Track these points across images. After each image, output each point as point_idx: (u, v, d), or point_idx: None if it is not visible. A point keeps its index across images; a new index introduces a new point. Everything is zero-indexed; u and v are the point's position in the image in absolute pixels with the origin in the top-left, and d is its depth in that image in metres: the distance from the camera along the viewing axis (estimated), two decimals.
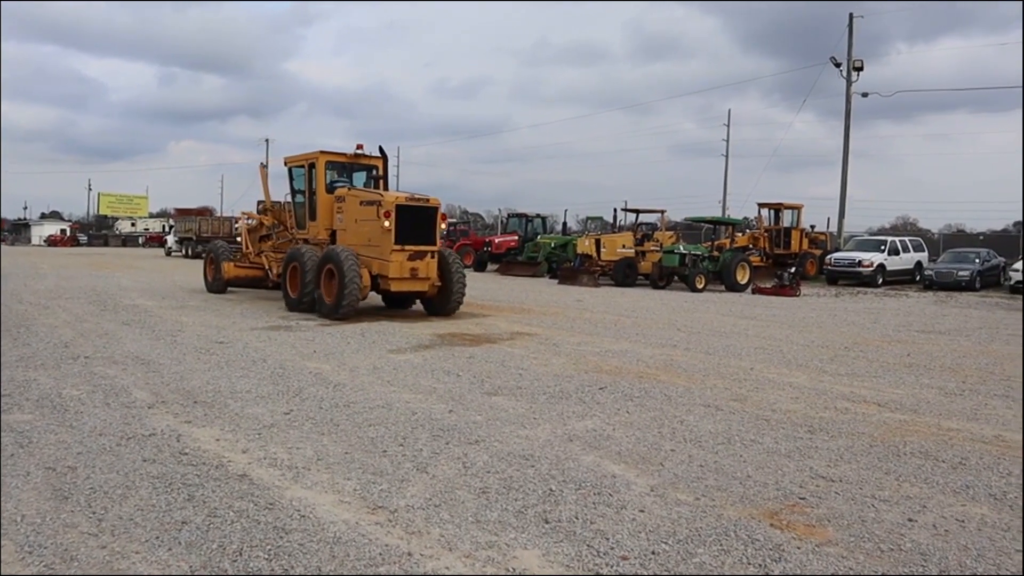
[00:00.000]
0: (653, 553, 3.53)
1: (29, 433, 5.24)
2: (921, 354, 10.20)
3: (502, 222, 43.41)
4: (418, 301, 13.65)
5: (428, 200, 12.88)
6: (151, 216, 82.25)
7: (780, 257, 28.28)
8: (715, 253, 23.73)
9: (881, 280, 26.20)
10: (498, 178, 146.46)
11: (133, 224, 74.40)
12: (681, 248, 23.82)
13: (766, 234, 28.94)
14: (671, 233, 30.05)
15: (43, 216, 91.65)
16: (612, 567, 3.38)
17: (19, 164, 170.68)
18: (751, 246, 28.06)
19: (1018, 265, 24.42)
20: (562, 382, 7.50)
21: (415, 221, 12.55)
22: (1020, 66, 70.15)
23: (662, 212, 28.28)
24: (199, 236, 41.04)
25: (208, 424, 5.64)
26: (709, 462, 4.96)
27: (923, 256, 29.09)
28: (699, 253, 23.28)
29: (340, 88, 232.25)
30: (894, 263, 27.15)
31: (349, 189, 13.71)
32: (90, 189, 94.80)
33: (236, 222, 37.62)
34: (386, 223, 12.23)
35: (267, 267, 15.89)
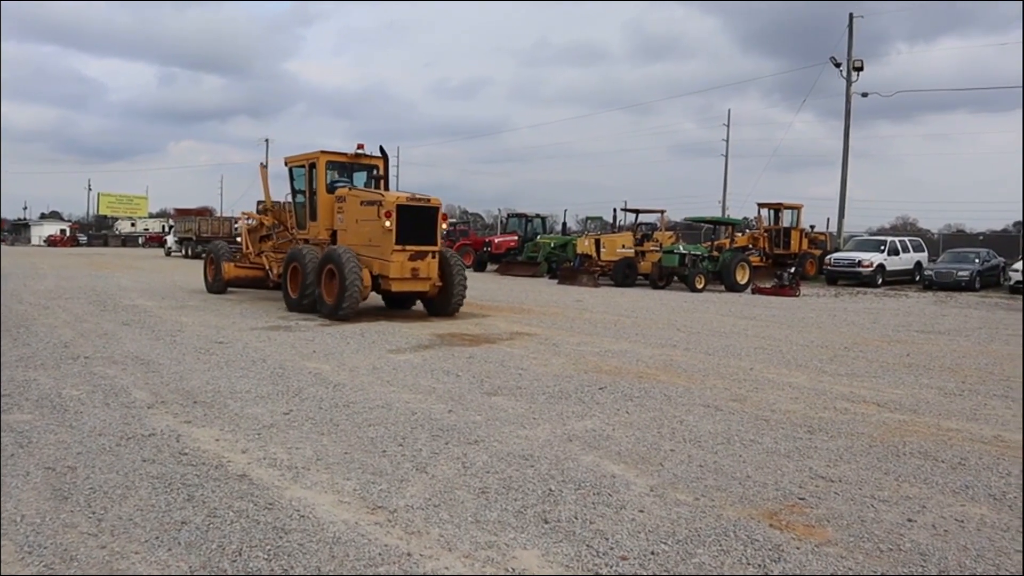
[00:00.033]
0: (652, 553, 3.53)
1: (29, 433, 5.24)
2: (921, 354, 10.20)
3: (502, 222, 43.39)
4: (419, 301, 13.65)
5: (429, 200, 12.87)
6: (151, 216, 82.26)
7: (780, 257, 28.29)
8: (715, 253, 23.73)
9: (881, 280, 26.20)
10: (498, 178, 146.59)
11: (133, 224, 74.40)
12: (681, 248, 23.83)
13: (766, 234, 28.95)
14: (671, 233, 30.06)
15: (43, 216, 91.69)
16: (611, 567, 3.38)
17: (19, 164, 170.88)
18: (751, 246, 28.07)
19: (1018, 265, 24.43)
20: (562, 382, 7.50)
21: (416, 221, 12.54)
22: (1020, 66, 70.17)
23: (662, 212, 28.29)
24: (199, 236, 41.04)
25: (208, 424, 5.64)
26: (709, 462, 4.96)
27: (923, 256, 29.10)
28: (699, 253, 23.28)
29: (340, 88, 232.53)
30: (894, 263, 27.16)
31: (350, 189, 13.69)
32: (90, 189, 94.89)
33: (236, 222, 37.64)
34: (387, 223, 12.22)
35: (267, 267, 15.88)
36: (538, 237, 30.99)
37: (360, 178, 14.65)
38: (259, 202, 17.77)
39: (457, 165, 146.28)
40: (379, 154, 14.41)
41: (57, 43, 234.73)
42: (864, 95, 33.37)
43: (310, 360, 8.45)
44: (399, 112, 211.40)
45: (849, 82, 33.06)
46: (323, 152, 14.12)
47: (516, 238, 32.84)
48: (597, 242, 26.02)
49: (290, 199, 15.32)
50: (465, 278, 13.22)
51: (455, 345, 9.86)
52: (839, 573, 3.39)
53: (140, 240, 67.80)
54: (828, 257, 27.75)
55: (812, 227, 31.22)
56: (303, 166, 14.41)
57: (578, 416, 6.14)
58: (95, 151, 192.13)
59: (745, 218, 32.60)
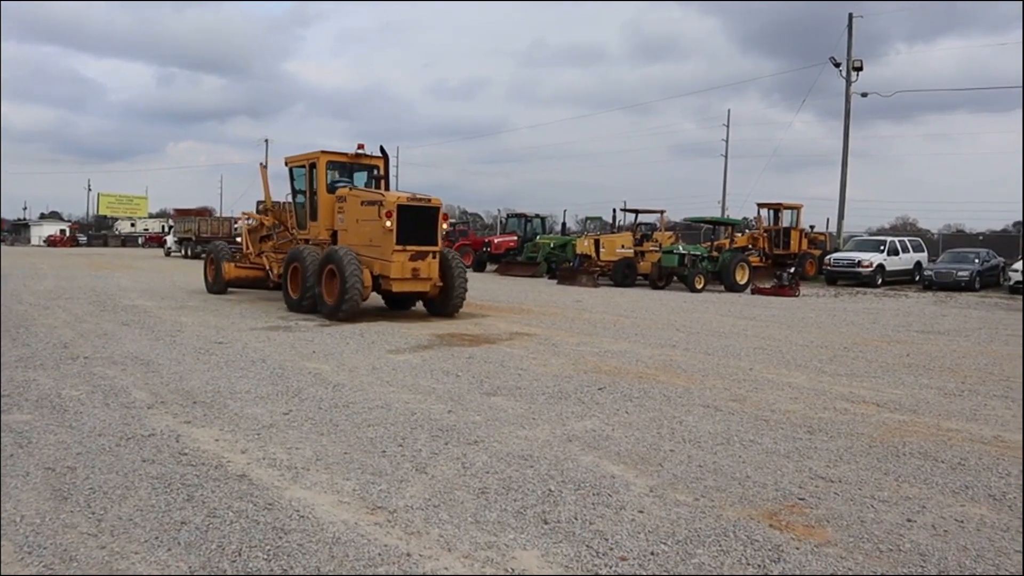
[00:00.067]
0: (652, 554, 3.53)
1: (28, 433, 5.24)
2: (920, 354, 10.20)
3: (501, 222, 43.39)
4: (419, 302, 13.64)
5: (430, 200, 12.86)
6: (150, 216, 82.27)
7: (779, 257, 28.30)
8: (714, 253, 23.73)
9: (880, 280, 26.21)
10: (497, 178, 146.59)
11: (132, 224, 74.40)
12: (680, 248, 23.83)
13: (765, 234, 28.95)
14: (670, 233, 30.06)
15: (42, 216, 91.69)
16: (611, 568, 3.38)
17: (18, 164, 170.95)
18: (750, 246, 28.07)
19: (1018, 265, 24.44)
20: (561, 382, 7.50)
21: (417, 221, 12.53)
22: (1020, 66, 70.18)
23: (661, 212, 28.29)
24: (198, 236, 41.04)
25: (207, 424, 5.64)
26: (708, 462, 4.96)
27: (922, 256, 29.11)
28: (698, 253, 23.29)
29: (339, 89, 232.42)
30: (893, 263, 27.17)
31: (350, 189, 13.68)
32: (89, 189, 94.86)
33: (236, 222, 37.64)
34: (388, 223, 12.21)
35: (268, 268, 15.88)
36: (537, 237, 31.00)
37: (360, 178, 14.64)
38: (259, 202, 17.77)
39: (456, 165, 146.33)
40: (379, 154, 14.41)
41: (56, 43, 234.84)
42: (864, 95, 33.40)
43: (310, 360, 8.45)
44: (398, 112, 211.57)
45: (849, 82, 33.08)
46: (323, 152, 14.11)
47: (515, 238, 32.84)
48: (596, 242, 26.02)
49: (290, 199, 15.32)
50: (466, 278, 13.22)
51: (454, 345, 9.86)
52: (839, 573, 3.39)
53: (140, 240, 67.80)
54: (828, 257, 27.75)
55: (812, 227, 31.25)
56: (303, 166, 14.41)
57: (578, 416, 6.14)
58: (94, 151, 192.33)
59: (745, 218, 32.61)
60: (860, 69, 33.00)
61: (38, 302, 14.16)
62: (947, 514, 4.14)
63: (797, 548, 3.63)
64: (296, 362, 8.31)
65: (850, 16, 33.11)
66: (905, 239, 29.98)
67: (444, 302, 13.05)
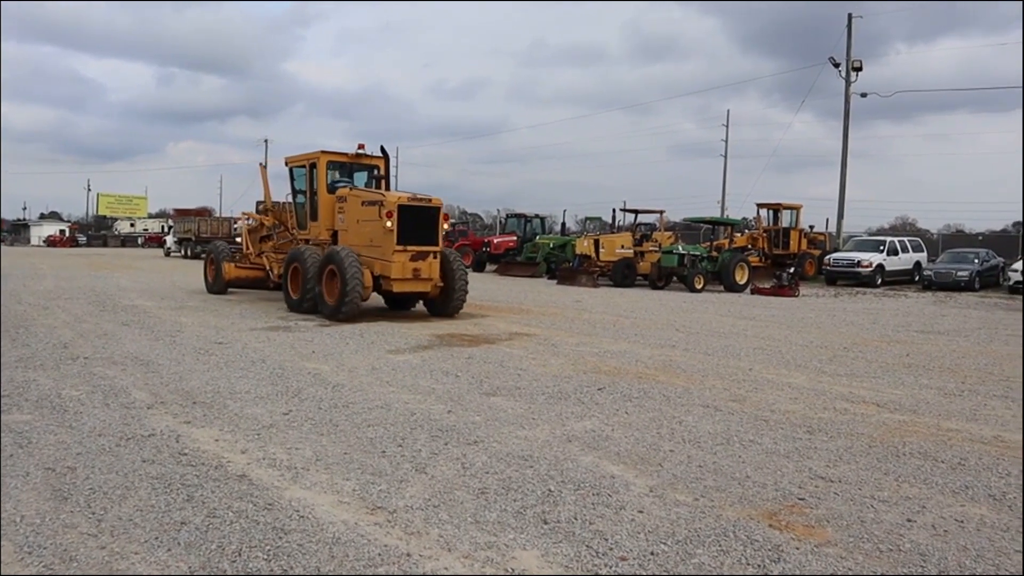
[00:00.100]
0: (652, 554, 3.53)
1: (28, 434, 5.24)
2: (920, 354, 10.21)
3: (501, 222, 43.42)
4: (420, 302, 13.64)
5: (430, 200, 12.85)
6: (150, 216, 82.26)
7: (779, 257, 28.31)
8: (714, 253, 23.74)
9: (880, 280, 26.22)
10: (497, 178, 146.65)
11: (132, 224, 74.38)
12: (680, 248, 23.83)
13: (765, 234, 28.97)
14: (670, 233, 30.05)
15: (42, 216, 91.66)
16: (611, 568, 3.38)
17: (18, 164, 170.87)
18: (750, 246, 28.08)
19: (1017, 265, 24.46)
20: (561, 383, 7.50)
21: (417, 221, 12.52)
22: (1019, 66, 70.19)
23: (661, 212, 28.28)
24: (198, 236, 41.05)
25: (207, 425, 5.64)
26: (708, 463, 4.96)
27: (922, 256, 29.12)
28: (698, 253, 23.29)
29: (338, 89, 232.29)
30: (893, 263, 27.18)
31: (351, 189, 13.68)
32: (89, 189, 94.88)
33: (235, 222, 37.63)
34: (388, 223, 12.20)
35: (268, 268, 15.87)
36: (537, 237, 31.01)
37: (361, 178, 14.64)
38: (259, 202, 17.76)
39: (456, 165, 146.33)
40: (379, 154, 14.41)
41: (56, 43, 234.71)
42: (863, 95, 33.43)
43: (309, 360, 8.45)
44: (398, 112, 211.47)
45: (848, 82, 33.09)
46: (324, 152, 14.10)
47: (515, 238, 32.85)
48: (596, 242, 26.03)
49: (290, 199, 15.32)
50: (467, 279, 13.21)
51: (454, 345, 9.86)
52: (839, 573, 3.39)
53: (139, 240, 67.79)
54: (827, 257, 27.77)
55: (811, 227, 31.27)
56: (304, 166, 14.40)
57: (577, 417, 6.14)
58: (94, 151, 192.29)
59: (744, 218, 32.65)
60: (860, 69, 33.04)
61: (38, 302, 14.16)
62: (947, 514, 4.14)
63: (797, 548, 3.63)
64: (296, 362, 8.31)
65: (849, 16, 33.18)
66: (905, 239, 29.99)
67: (445, 302, 13.05)
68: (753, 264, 24.64)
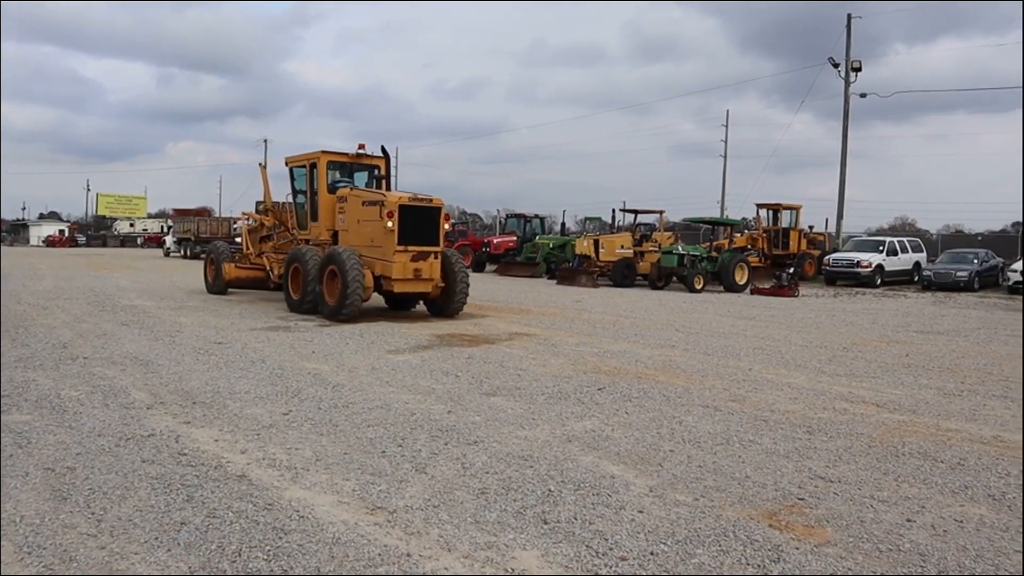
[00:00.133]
0: (652, 554, 3.53)
1: (28, 434, 5.23)
2: (919, 355, 10.21)
3: (500, 223, 43.42)
4: (421, 302, 13.63)
5: (431, 200, 12.84)
6: (149, 216, 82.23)
7: (778, 258, 28.32)
8: (713, 254, 23.75)
9: (879, 281, 26.23)
10: (497, 179, 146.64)
11: (132, 225, 74.36)
12: (679, 249, 23.84)
13: (764, 235, 28.98)
14: (669, 234, 30.06)
15: (41, 216, 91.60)
16: (611, 568, 3.38)
17: (17, 164, 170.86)
18: (749, 247, 28.09)
19: (1017, 266, 24.48)
20: (561, 383, 7.51)
21: (418, 221, 12.51)
22: (1019, 66, 70.14)
23: (660, 213, 28.29)
24: (197, 237, 41.05)
25: (207, 425, 5.64)
26: (708, 463, 4.96)
27: (921, 257, 29.14)
28: (697, 254, 23.30)
29: (338, 89, 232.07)
30: (892, 264, 27.19)
31: (351, 189, 13.66)
32: (88, 189, 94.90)
33: (235, 223, 37.64)
34: (389, 223, 12.19)
35: (268, 268, 15.87)
36: (537, 237, 31.02)
37: (361, 178, 14.63)
38: (258, 202, 17.75)
39: (456, 165, 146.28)
40: (380, 154, 14.40)
41: (56, 43, 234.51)
42: (862, 96, 33.45)
43: (309, 361, 8.45)
44: (398, 113, 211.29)
45: (847, 83, 33.10)
46: (324, 152, 14.10)
47: (515, 238, 32.85)
48: (596, 242, 26.04)
49: (290, 199, 15.31)
50: (468, 279, 13.20)
51: (454, 346, 9.87)
52: (838, 573, 3.39)
53: (139, 240, 67.78)
54: (827, 258, 27.79)
55: (811, 227, 31.31)
56: (304, 166, 14.39)
57: (577, 417, 6.14)
58: (94, 151, 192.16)
59: (744, 219, 32.68)
60: (859, 70, 33.06)
61: (37, 302, 14.15)
62: (946, 514, 4.15)
63: (797, 548, 3.63)
64: (296, 362, 8.31)
65: (849, 17, 33.20)
66: (904, 239, 30.01)
67: (446, 303, 13.04)
68: (753, 264, 24.65)
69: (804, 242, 29.79)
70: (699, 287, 22.04)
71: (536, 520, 3.90)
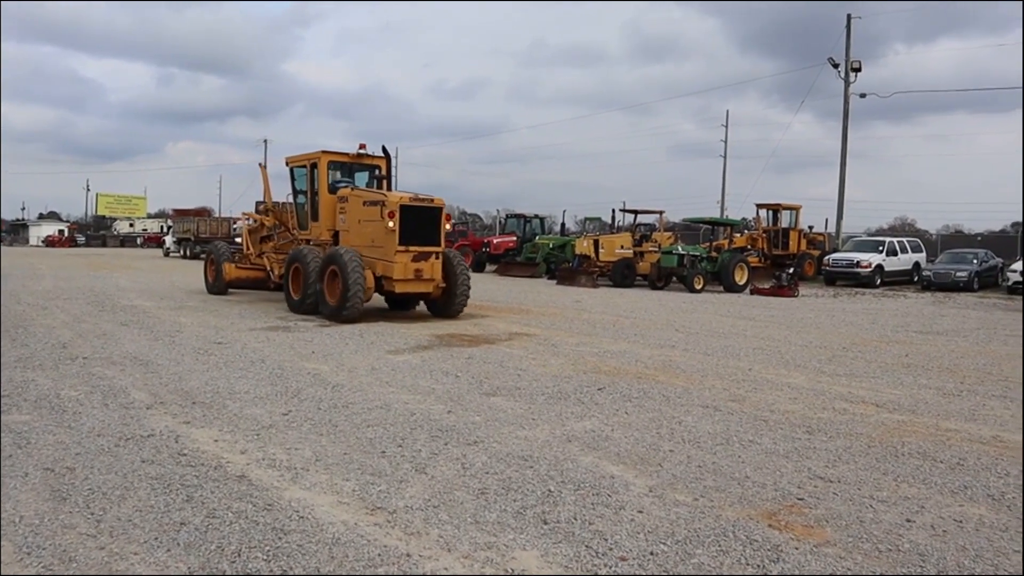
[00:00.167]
0: (652, 554, 3.53)
1: (27, 434, 5.23)
2: (919, 355, 10.21)
3: (500, 223, 43.41)
4: (422, 303, 13.63)
5: (432, 200, 12.83)
6: (149, 217, 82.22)
7: (778, 258, 28.33)
8: (713, 254, 23.76)
9: (879, 281, 26.24)
10: (497, 179, 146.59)
11: (131, 225, 74.37)
12: (679, 249, 23.85)
13: (764, 235, 28.99)
14: (669, 234, 30.08)
15: (41, 217, 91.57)
16: (611, 568, 3.38)
17: (17, 164, 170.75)
18: (749, 247, 28.10)
19: (1016, 266, 24.49)
20: (561, 383, 7.51)
21: (419, 221, 12.49)
22: (1019, 66, 70.26)
23: (660, 213, 28.29)
24: (197, 237, 41.05)
25: (207, 425, 5.64)
26: (707, 463, 4.96)
27: (921, 257, 29.15)
28: (697, 254, 23.31)
29: (338, 89, 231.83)
30: (892, 264, 27.20)
31: (352, 189, 13.65)
32: (88, 190, 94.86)
33: (235, 223, 37.63)
34: (390, 224, 12.18)
35: (268, 268, 15.86)
36: (537, 238, 31.02)
37: (362, 178, 14.62)
38: (258, 202, 17.74)
39: (456, 166, 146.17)
40: (381, 154, 14.39)
41: (56, 43, 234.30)
42: (862, 96, 33.47)
43: (309, 361, 8.45)
44: (398, 113, 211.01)
45: (847, 83, 33.11)
46: (325, 152, 14.09)
47: (515, 239, 32.85)
48: (596, 243, 26.05)
49: (291, 199, 15.31)
50: (469, 279, 13.18)
51: (454, 346, 9.87)
52: (838, 573, 3.39)
53: (138, 240, 67.77)
54: (826, 258, 27.80)
55: (810, 228, 31.32)
56: (304, 166, 14.39)
57: (577, 417, 6.15)
58: (94, 151, 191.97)
59: (744, 219, 32.69)
60: (859, 70, 33.08)
61: (37, 302, 14.15)
62: (946, 514, 4.15)
63: (796, 548, 3.63)
64: (295, 362, 8.31)
65: (848, 17, 33.21)
66: (904, 239, 30.03)
67: (447, 303, 13.02)
68: (752, 264, 24.66)
69: (804, 242, 29.80)
70: (699, 287, 22.05)
71: (536, 520, 3.90)
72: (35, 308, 13.19)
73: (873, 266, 26.02)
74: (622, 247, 25.50)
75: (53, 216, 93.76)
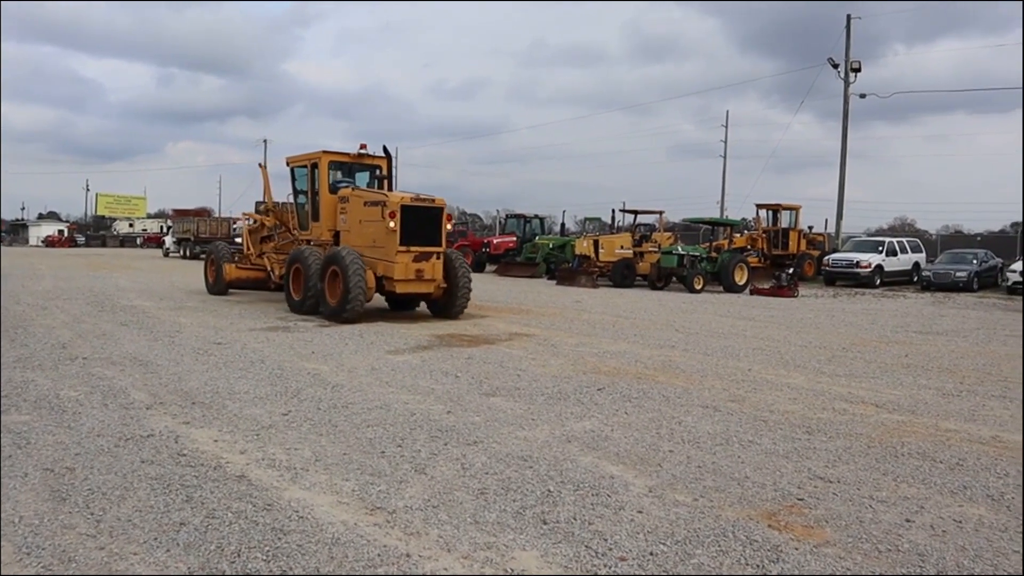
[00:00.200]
0: (651, 554, 3.53)
1: (27, 434, 5.23)
2: (919, 355, 10.22)
3: (500, 223, 43.42)
4: (423, 303, 13.62)
5: (434, 200, 12.81)
6: (149, 217, 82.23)
7: (778, 258, 28.33)
8: (713, 254, 23.76)
9: (879, 281, 26.24)
10: (496, 179, 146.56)
11: (131, 225, 74.37)
12: (679, 249, 23.85)
13: (764, 235, 28.99)
14: (669, 234, 30.08)
15: (41, 217, 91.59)
16: (610, 568, 3.38)
17: (17, 164, 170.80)
18: (749, 247, 28.10)
19: (1016, 266, 24.49)
20: (560, 383, 7.51)
21: (420, 222, 12.48)
22: (1018, 67, 70.28)
23: (660, 213, 28.28)
24: (197, 237, 41.06)
25: (206, 425, 5.64)
26: (707, 463, 4.96)
27: (921, 257, 29.15)
28: (697, 254, 23.31)
29: (338, 89, 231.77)
30: (892, 264, 27.21)
31: (353, 189, 13.63)
32: (88, 190, 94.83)
33: (235, 223, 37.63)
34: (391, 224, 12.16)
35: (269, 269, 15.86)
36: (536, 238, 31.04)
37: (363, 178, 14.62)
38: (259, 202, 17.73)
39: (456, 166, 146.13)
40: (381, 154, 14.38)
41: (56, 43, 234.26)
42: (862, 96, 33.48)
43: (309, 361, 8.45)
44: (398, 113, 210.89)
45: (847, 83, 33.12)
46: (325, 152, 14.08)
47: (514, 239, 32.87)
48: (595, 243, 26.05)
49: (291, 199, 15.30)
50: (470, 280, 13.16)
51: (454, 346, 9.87)
52: (838, 574, 3.39)
53: (138, 241, 67.77)
54: (826, 258, 27.80)
55: (810, 228, 31.32)
56: (305, 166, 14.38)
57: (577, 417, 6.15)
58: (93, 151, 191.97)
59: (743, 219, 32.69)
60: (858, 70, 33.08)
61: (36, 302, 14.15)
62: (945, 514, 4.15)
63: (796, 548, 3.63)
64: (295, 363, 8.31)
65: (848, 17, 33.21)
66: (903, 240, 30.03)
67: (448, 304, 13.01)
68: (752, 265, 24.66)
69: (804, 242, 29.81)
70: (699, 287, 22.05)
71: (535, 520, 3.90)
72: (35, 308, 13.19)
73: (873, 266, 26.03)
74: (622, 247, 25.50)
75: (53, 216, 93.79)
